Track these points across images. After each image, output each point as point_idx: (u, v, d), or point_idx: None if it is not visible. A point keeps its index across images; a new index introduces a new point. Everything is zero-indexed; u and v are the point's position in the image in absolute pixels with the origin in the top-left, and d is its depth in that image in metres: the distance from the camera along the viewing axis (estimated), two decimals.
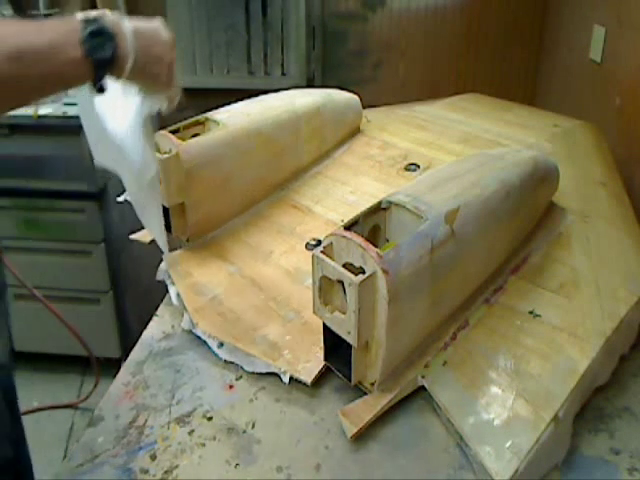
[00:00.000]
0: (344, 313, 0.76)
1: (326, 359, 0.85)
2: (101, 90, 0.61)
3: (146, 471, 0.76)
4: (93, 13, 0.58)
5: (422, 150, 1.28)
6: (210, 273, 1.08)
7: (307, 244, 1.10)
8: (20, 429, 0.97)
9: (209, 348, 0.95)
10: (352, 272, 0.74)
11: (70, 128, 1.89)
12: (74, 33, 0.55)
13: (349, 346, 0.78)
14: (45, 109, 1.93)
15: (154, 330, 1.02)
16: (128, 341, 2.26)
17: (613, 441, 0.78)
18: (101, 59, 0.57)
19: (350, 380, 0.81)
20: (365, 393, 0.82)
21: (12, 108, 0.51)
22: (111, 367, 2.15)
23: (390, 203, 0.86)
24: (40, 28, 0.54)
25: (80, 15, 0.56)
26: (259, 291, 1.02)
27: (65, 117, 1.92)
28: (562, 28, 2.10)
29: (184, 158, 1.05)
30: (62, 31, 0.54)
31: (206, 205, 1.14)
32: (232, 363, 0.92)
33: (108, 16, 0.59)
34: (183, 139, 1.08)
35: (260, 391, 0.88)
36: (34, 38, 0.52)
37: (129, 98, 0.74)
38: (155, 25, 0.66)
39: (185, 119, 1.15)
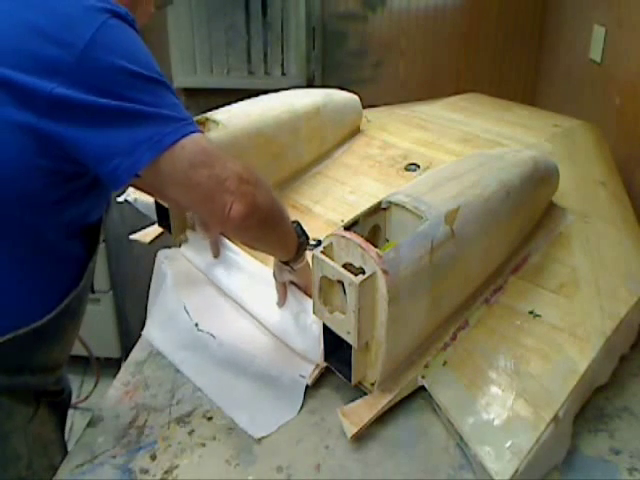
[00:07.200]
0: (344, 313, 0.76)
1: (326, 359, 0.85)
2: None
3: (146, 471, 0.76)
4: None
5: (422, 150, 1.28)
6: None
7: None
8: None
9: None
10: (352, 272, 0.74)
11: None
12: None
13: (349, 346, 0.77)
14: None
15: None
16: (128, 341, 2.26)
17: (613, 441, 0.78)
18: (302, 242, 0.86)
19: (350, 380, 0.81)
20: (365, 393, 0.82)
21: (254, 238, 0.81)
22: (111, 367, 2.15)
23: (390, 203, 0.86)
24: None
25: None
26: None
27: None
28: (562, 28, 2.10)
29: None
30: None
31: None
32: None
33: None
34: None
35: None
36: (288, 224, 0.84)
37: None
38: None
39: None
